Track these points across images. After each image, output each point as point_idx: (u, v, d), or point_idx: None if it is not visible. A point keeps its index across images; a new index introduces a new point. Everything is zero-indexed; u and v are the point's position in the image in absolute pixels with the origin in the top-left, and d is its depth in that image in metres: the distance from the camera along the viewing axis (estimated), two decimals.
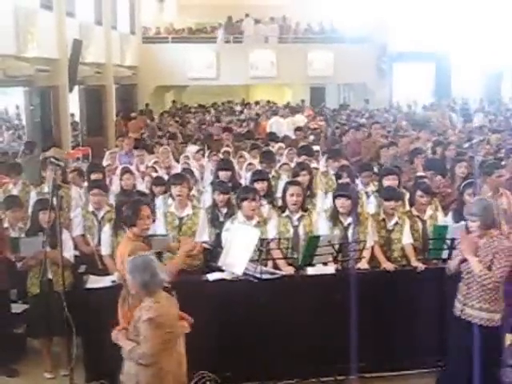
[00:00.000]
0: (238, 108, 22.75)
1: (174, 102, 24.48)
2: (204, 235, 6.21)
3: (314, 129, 14.29)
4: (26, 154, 11.50)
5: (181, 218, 6.17)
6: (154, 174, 8.18)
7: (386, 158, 9.13)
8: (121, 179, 7.58)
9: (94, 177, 7.64)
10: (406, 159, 9.11)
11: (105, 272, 5.88)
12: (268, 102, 23.90)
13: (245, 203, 6.11)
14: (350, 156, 10.15)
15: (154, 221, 5.62)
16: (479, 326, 4.91)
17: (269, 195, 6.85)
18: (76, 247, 6.44)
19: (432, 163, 8.49)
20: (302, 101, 23.45)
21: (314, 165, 8.45)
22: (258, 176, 6.98)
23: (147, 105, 21.55)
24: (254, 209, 6.10)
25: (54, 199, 5.36)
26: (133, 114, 19.50)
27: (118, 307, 4.76)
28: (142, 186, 7.85)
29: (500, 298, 4.94)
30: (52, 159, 5.98)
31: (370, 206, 6.98)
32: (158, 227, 6.12)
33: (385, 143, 10.37)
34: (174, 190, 6.21)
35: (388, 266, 5.93)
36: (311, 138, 12.44)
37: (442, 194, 7.47)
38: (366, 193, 7.29)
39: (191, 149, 10.76)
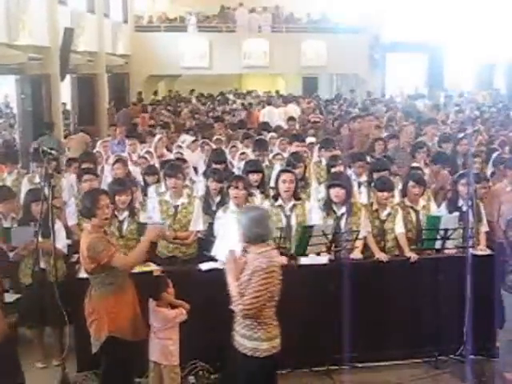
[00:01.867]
0: (232, 97, 22.60)
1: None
2: (199, 224, 6.22)
3: (314, 122, 14.02)
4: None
5: (176, 207, 6.17)
6: (145, 164, 8.13)
7: (380, 151, 8.93)
8: (112, 169, 7.56)
9: (85, 166, 7.60)
10: (407, 151, 8.82)
11: None
12: (253, 91, 23.67)
13: (229, 190, 6.14)
14: (346, 148, 10.01)
15: (113, 210, 5.52)
16: (243, 355, 4.25)
17: (262, 185, 6.84)
18: (69, 236, 6.40)
19: (439, 157, 8.22)
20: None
21: (303, 149, 8.45)
22: (252, 167, 6.94)
23: (140, 93, 21.44)
24: (237, 196, 6.05)
25: (46, 189, 5.33)
26: (133, 101, 19.56)
27: None
28: (137, 175, 7.84)
29: (267, 324, 4.24)
30: (44, 149, 5.93)
31: (361, 196, 6.98)
32: (154, 215, 6.11)
33: (378, 136, 10.13)
34: (169, 182, 6.21)
35: (381, 256, 5.95)
36: (311, 131, 12.10)
37: (445, 192, 7.36)
38: (359, 183, 7.28)
39: (186, 139, 10.73)
